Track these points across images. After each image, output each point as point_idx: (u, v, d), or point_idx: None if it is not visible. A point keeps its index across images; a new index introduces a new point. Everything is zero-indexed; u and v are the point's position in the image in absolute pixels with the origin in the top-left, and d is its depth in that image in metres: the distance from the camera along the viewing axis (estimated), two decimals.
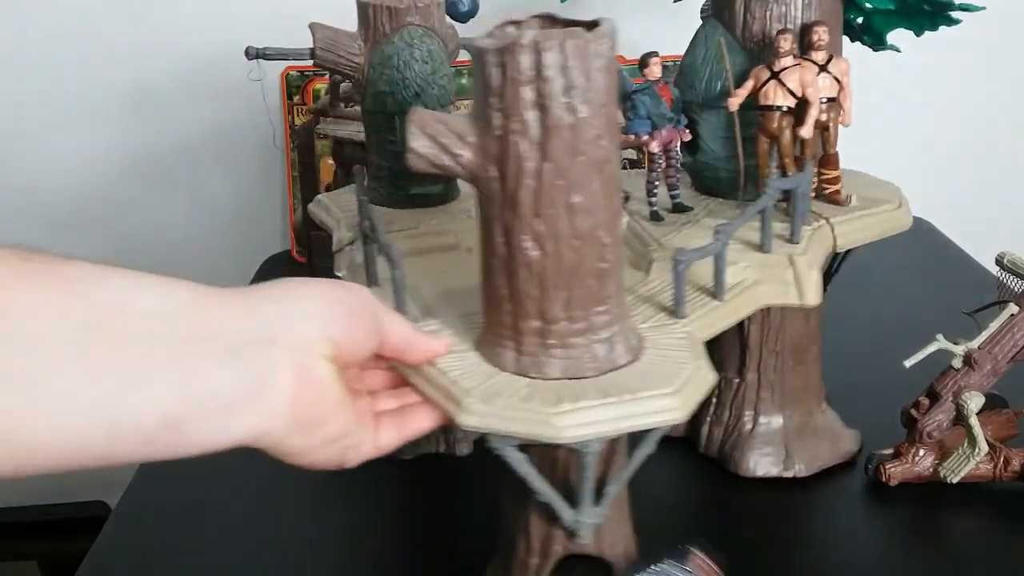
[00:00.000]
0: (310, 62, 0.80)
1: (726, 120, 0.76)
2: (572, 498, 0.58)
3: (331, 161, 1.20)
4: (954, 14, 0.82)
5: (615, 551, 0.62)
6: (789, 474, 0.82)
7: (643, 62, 0.72)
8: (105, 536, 0.82)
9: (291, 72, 1.32)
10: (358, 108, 1.09)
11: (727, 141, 0.77)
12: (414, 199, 0.80)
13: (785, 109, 0.73)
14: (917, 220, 0.82)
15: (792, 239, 0.70)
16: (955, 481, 0.78)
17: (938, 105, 1.41)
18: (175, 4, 1.34)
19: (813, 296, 0.68)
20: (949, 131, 1.44)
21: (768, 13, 0.75)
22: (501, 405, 0.52)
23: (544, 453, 0.58)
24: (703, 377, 0.55)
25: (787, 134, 0.73)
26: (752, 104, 0.74)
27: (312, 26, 0.78)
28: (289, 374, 0.43)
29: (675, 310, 0.61)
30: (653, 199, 0.76)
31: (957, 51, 1.35)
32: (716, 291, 0.64)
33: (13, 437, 0.36)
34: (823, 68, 0.73)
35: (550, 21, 0.54)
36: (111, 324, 0.38)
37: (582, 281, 0.53)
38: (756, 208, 0.67)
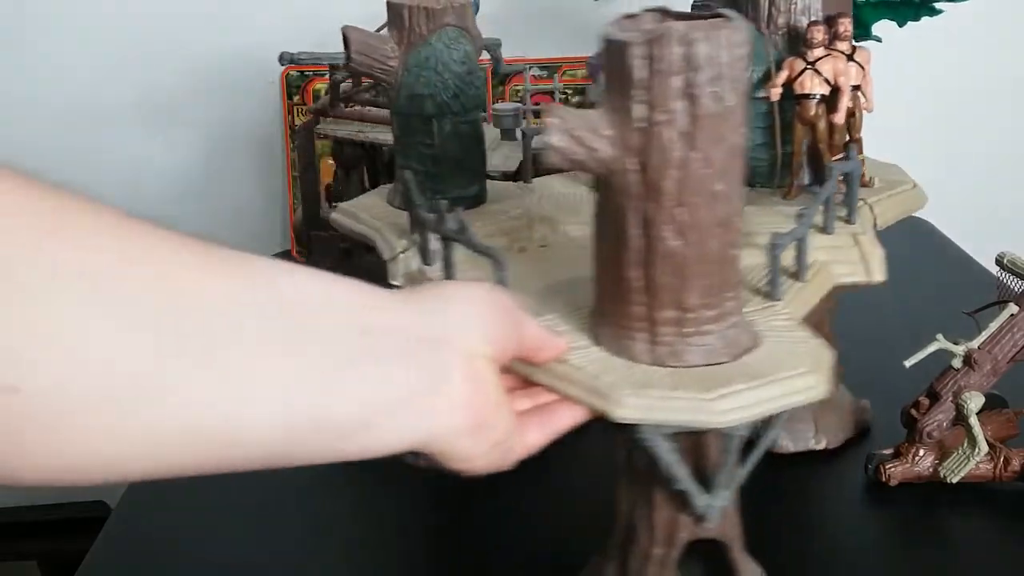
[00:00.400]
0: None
1: (765, 109, 0.78)
2: (702, 483, 0.58)
3: (331, 161, 1.19)
4: (937, 4, 0.83)
5: (733, 532, 0.63)
6: (820, 446, 0.86)
7: None
8: (105, 536, 0.82)
9: (291, 72, 1.32)
10: (358, 108, 1.09)
11: (763, 130, 0.79)
12: (451, 203, 0.76)
13: (819, 97, 0.75)
14: (917, 220, 0.83)
15: (849, 219, 0.73)
16: (955, 481, 0.78)
17: (938, 105, 1.41)
18: (179, 5, 1.34)
19: (879, 273, 0.70)
20: (949, 131, 1.44)
21: (793, 6, 0.77)
22: (654, 395, 0.52)
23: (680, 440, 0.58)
24: (828, 354, 0.57)
25: (823, 121, 0.76)
26: (787, 94, 0.76)
27: (346, 29, 0.76)
28: (462, 375, 0.43)
29: (771, 292, 0.63)
30: None
31: (956, 51, 1.36)
32: (799, 273, 0.65)
33: (224, 429, 0.35)
34: (850, 57, 0.76)
35: (663, 15, 0.54)
36: (301, 316, 0.37)
37: (719, 268, 0.54)
38: (826, 192, 0.69)
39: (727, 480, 0.58)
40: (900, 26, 0.86)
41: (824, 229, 0.71)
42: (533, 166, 0.87)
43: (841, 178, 0.72)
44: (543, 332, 0.53)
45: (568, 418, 0.53)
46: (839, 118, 0.75)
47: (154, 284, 0.33)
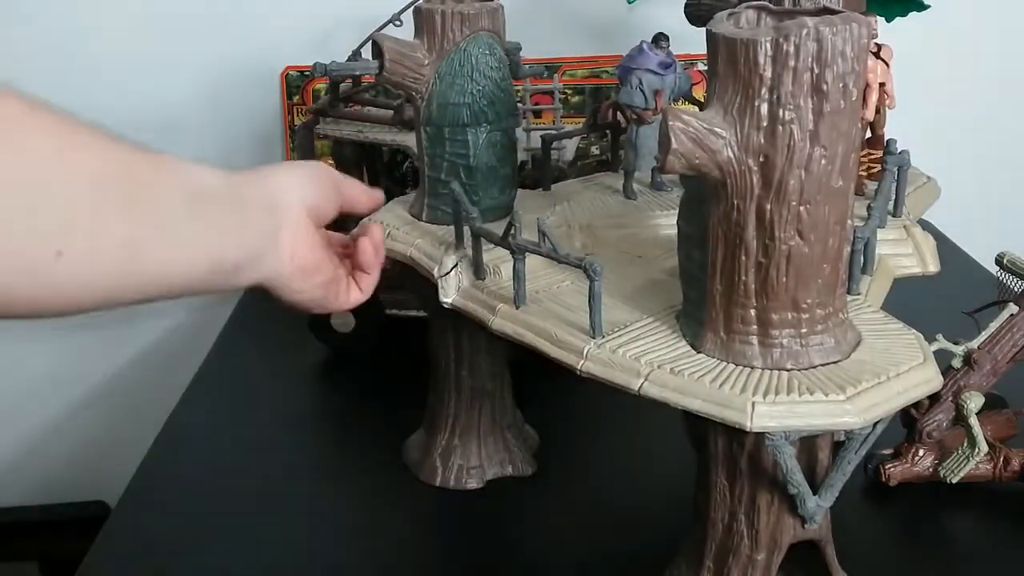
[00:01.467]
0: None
1: None
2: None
3: (331, 161, 1.19)
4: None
5: (828, 533, 0.63)
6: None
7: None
8: (105, 536, 0.82)
9: (291, 72, 1.32)
10: (358, 108, 1.08)
11: None
12: (484, 214, 0.74)
13: None
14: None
15: (896, 212, 0.74)
16: (955, 481, 0.78)
17: (937, 105, 1.41)
18: (178, 6, 1.34)
19: (934, 263, 0.72)
20: (948, 131, 1.44)
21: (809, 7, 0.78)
22: (787, 401, 0.51)
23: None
24: (928, 346, 0.57)
25: None
26: None
27: (379, 38, 0.72)
28: (287, 231, 0.57)
29: (851, 287, 0.62)
30: None
31: (956, 51, 1.36)
32: (866, 266, 0.66)
33: (160, 274, 0.49)
34: (876, 55, 0.77)
35: (763, 11, 0.54)
36: (201, 194, 0.51)
37: (833, 266, 0.54)
38: (887, 186, 0.70)
39: (837, 480, 0.57)
40: (888, 21, 0.85)
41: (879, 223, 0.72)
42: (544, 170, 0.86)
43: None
44: (361, 189, 0.65)
45: (366, 281, 0.63)
46: (869, 115, 0.76)
47: (104, 171, 0.46)
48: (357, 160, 1.10)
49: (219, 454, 0.94)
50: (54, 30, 1.33)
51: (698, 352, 0.57)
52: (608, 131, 0.90)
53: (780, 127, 0.50)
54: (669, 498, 0.81)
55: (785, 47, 0.49)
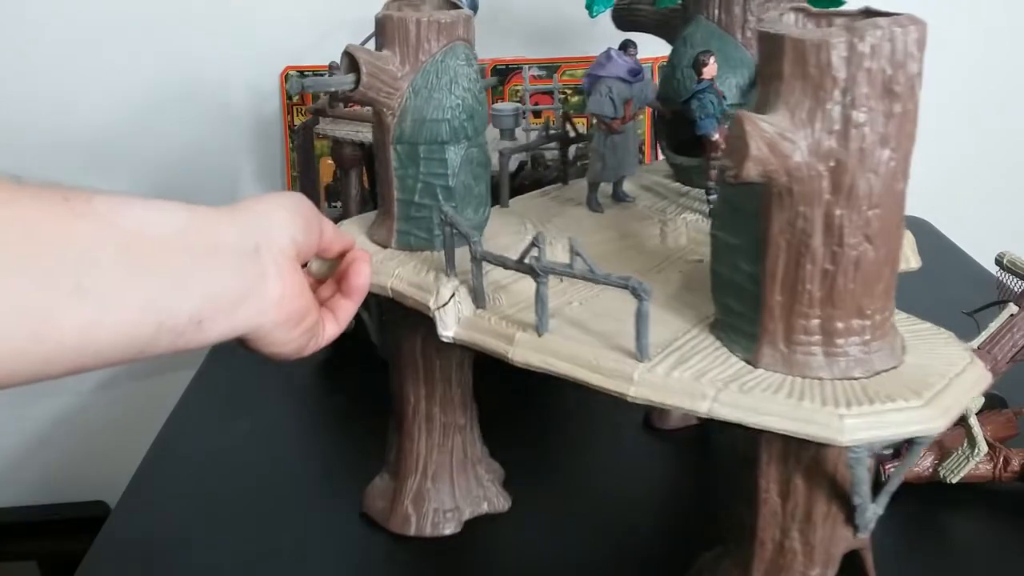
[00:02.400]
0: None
1: None
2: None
3: (331, 161, 1.20)
4: None
5: (868, 540, 0.62)
6: None
7: (702, 61, 0.72)
8: (105, 536, 0.82)
9: (291, 72, 1.32)
10: (357, 108, 1.05)
11: None
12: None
13: None
14: (917, 220, 0.83)
15: None
16: (955, 481, 0.78)
17: (937, 105, 1.41)
18: (178, 6, 1.34)
19: (915, 259, 0.73)
20: (948, 131, 1.44)
21: (766, 8, 0.78)
22: (872, 411, 0.50)
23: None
24: (966, 343, 0.57)
25: None
26: None
27: (353, 50, 0.65)
28: (275, 276, 0.51)
29: None
30: (715, 196, 0.76)
31: (955, 51, 1.36)
32: None
33: (86, 341, 0.43)
34: None
35: (801, 12, 0.53)
36: (139, 245, 0.45)
37: (891, 270, 0.53)
38: None
39: (893, 486, 0.56)
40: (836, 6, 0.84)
41: None
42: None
43: None
44: (337, 232, 0.60)
45: (347, 311, 0.59)
46: None
47: (23, 232, 0.41)
48: (356, 160, 1.10)
49: (218, 455, 0.93)
50: (62, 29, 1.33)
51: (755, 367, 0.54)
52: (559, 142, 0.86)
53: (853, 130, 0.49)
54: (653, 511, 0.83)
55: (860, 48, 0.47)
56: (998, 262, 0.80)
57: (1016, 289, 0.78)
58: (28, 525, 1.48)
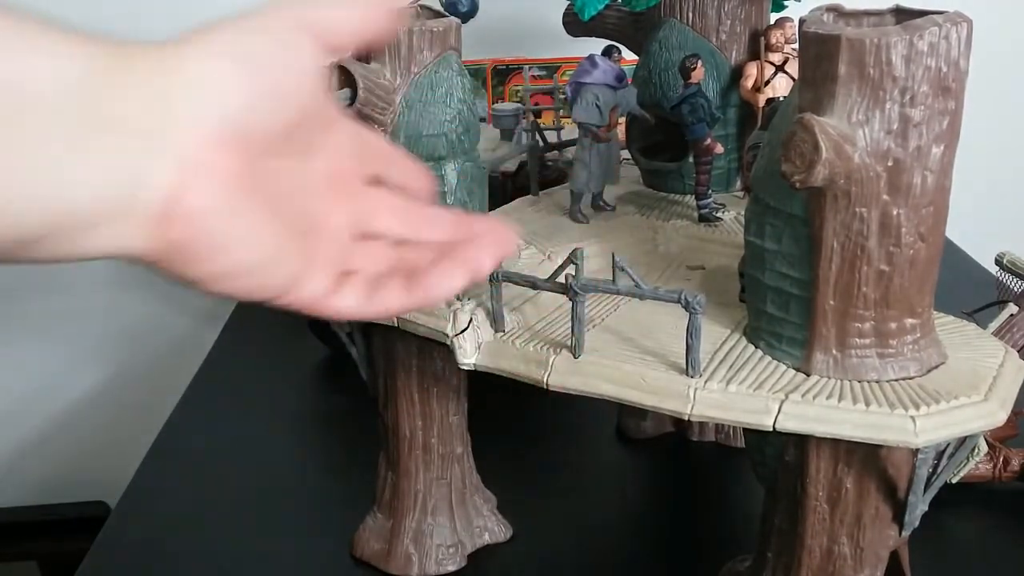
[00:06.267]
0: None
1: (736, 118, 0.79)
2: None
3: None
4: None
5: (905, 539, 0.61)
6: None
7: (689, 65, 0.71)
8: (105, 536, 0.82)
9: None
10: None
11: (722, 137, 0.78)
12: None
13: None
14: None
15: None
16: (955, 481, 0.78)
17: None
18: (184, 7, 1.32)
19: None
20: None
21: (740, 12, 0.78)
22: (942, 411, 0.50)
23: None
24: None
25: None
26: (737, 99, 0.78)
27: (350, 65, 0.60)
28: (168, 181, 0.33)
29: None
30: (706, 201, 0.75)
31: None
32: None
33: None
34: None
35: (834, 12, 0.53)
36: (4, 102, 0.30)
37: (938, 266, 0.53)
38: None
39: (940, 482, 0.56)
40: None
41: None
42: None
43: None
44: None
45: (448, 285, 0.41)
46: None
47: None
48: None
49: (219, 455, 0.93)
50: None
51: (808, 374, 0.53)
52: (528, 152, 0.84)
53: (912, 129, 0.48)
54: (649, 524, 0.82)
55: (919, 46, 0.47)
56: (998, 262, 0.79)
57: (1016, 289, 0.78)
58: (28, 525, 1.49)
